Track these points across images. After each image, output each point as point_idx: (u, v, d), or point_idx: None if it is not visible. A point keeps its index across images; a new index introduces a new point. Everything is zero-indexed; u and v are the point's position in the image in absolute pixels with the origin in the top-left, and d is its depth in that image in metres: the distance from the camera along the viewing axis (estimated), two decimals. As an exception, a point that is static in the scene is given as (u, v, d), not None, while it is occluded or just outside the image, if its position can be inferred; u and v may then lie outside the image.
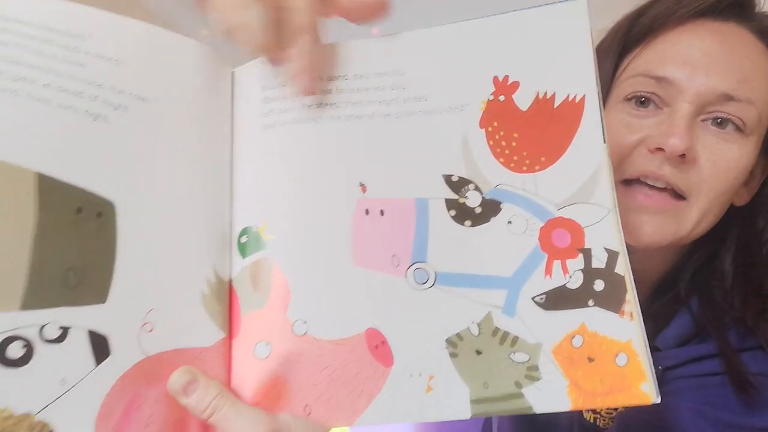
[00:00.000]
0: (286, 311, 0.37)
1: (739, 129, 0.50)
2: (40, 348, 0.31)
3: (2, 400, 0.29)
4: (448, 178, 0.40)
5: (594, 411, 0.56)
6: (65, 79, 0.34)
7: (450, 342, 0.38)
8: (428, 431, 0.71)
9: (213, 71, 0.41)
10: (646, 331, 0.52)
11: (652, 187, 0.50)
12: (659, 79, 0.51)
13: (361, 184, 0.39)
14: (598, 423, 0.56)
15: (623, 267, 0.37)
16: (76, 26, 0.35)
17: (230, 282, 0.39)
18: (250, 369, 0.37)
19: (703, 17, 0.52)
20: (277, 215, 0.39)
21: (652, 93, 0.51)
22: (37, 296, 0.31)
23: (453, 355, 0.37)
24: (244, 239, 0.39)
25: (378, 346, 0.37)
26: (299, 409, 0.36)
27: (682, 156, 0.48)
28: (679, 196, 0.50)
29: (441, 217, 0.39)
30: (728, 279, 0.53)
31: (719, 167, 0.49)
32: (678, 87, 0.50)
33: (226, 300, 0.38)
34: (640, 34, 0.54)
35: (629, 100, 0.52)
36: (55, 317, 0.32)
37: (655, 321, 0.54)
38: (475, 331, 0.38)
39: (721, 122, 0.50)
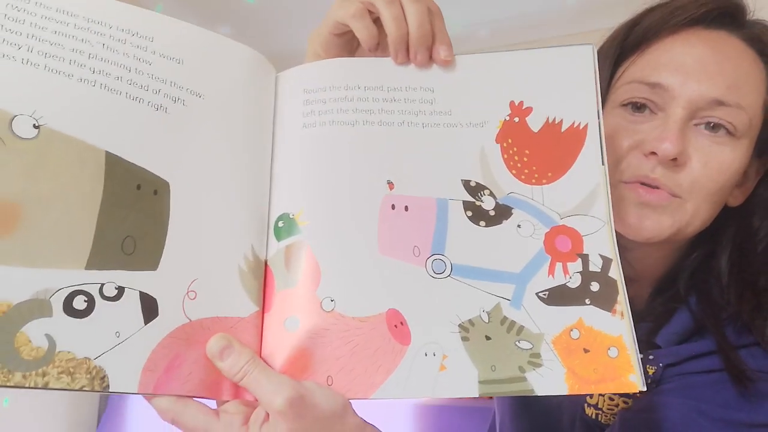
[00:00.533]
0: (316, 289, 0.41)
1: (730, 133, 0.52)
2: (99, 303, 0.35)
3: (67, 344, 0.34)
4: (466, 183, 0.45)
5: (596, 407, 0.58)
6: (134, 74, 0.39)
7: (462, 327, 0.41)
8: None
9: (259, 73, 0.45)
10: (648, 328, 0.56)
11: (648, 186, 0.53)
12: (653, 86, 0.53)
13: (389, 182, 0.44)
14: (600, 419, 0.58)
15: (616, 272, 0.43)
16: (145, 29, 0.41)
17: (266, 262, 0.43)
18: (281, 340, 0.40)
19: (695, 26, 0.55)
20: (312, 204, 0.43)
21: (647, 98, 0.54)
22: (99, 258, 0.36)
23: (465, 339, 0.41)
24: (281, 224, 0.43)
25: (397, 326, 0.41)
26: (322, 379, 0.40)
27: (674, 159, 0.51)
28: (674, 194, 0.53)
29: (459, 216, 0.44)
30: (725, 277, 0.55)
31: (711, 168, 0.52)
32: (671, 93, 0.52)
33: (261, 277, 0.42)
34: (635, 43, 0.57)
35: (625, 105, 0.55)
36: (113, 278, 0.36)
37: (655, 319, 0.56)
38: (485, 318, 0.42)
39: (714, 126, 0.52)
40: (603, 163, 0.44)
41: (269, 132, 0.45)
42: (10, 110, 0.35)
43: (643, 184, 0.53)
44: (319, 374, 0.40)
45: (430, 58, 0.46)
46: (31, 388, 0.32)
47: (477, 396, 0.40)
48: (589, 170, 0.44)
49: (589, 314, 0.41)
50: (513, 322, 0.41)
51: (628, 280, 0.58)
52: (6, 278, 0.33)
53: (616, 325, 0.41)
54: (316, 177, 0.44)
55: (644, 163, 0.52)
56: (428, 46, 0.45)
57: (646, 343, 0.56)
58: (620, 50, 0.57)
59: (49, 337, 0.33)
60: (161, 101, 0.40)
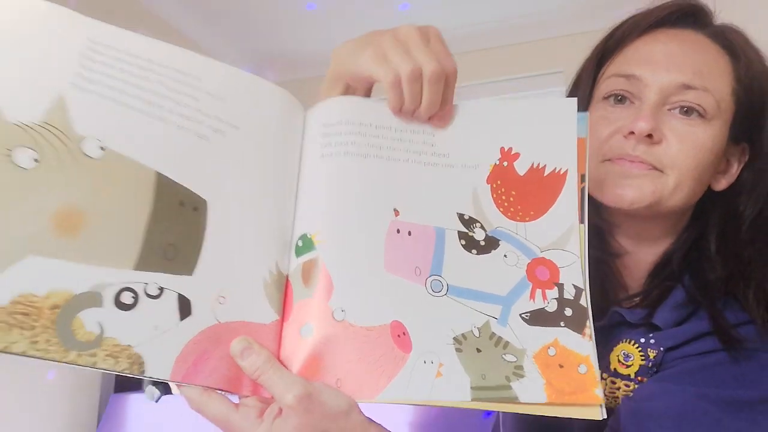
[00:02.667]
0: (328, 300, 0.46)
1: (701, 115, 0.58)
2: (143, 300, 0.41)
3: (114, 332, 0.39)
4: (461, 216, 0.51)
5: None
6: (183, 107, 0.46)
7: (457, 339, 0.46)
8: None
9: (289, 110, 0.52)
10: (646, 310, 0.61)
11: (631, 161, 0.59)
12: (629, 77, 0.61)
13: (395, 209, 0.50)
14: None
15: (585, 301, 0.49)
16: (195, 70, 0.48)
17: (287, 276, 0.48)
18: (297, 346, 0.45)
19: (662, 27, 0.63)
20: (327, 225, 0.48)
21: (624, 90, 0.61)
22: (145, 261, 0.42)
23: (458, 350, 0.46)
24: (300, 243, 0.49)
25: (400, 336, 0.46)
26: (332, 381, 0.44)
27: (650, 136, 0.57)
28: (654, 168, 0.58)
29: (454, 244, 0.50)
30: (713, 254, 0.60)
31: (686, 144, 0.58)
32: (644, 82, 0.59)
33: (283, 289, 0.47)
34: (614, 45, 0.65)
35: (607, 98, 0.62)
36: (156, 279, 0.42)
37: (653, 300, 0.60)
38: (476, 333, 0.47)
39: (687, 111, 0.58)
40: (583, 222, 0.50)
41: (296, 161, 0.51)
42: (82, 133, 0.41)
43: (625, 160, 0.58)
44: (329, 377, 0.45)
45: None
46: (82, 365, 0.38)
47: (470, 400, 0.44)
48: (565, 211, 0.51)
49: (563, 335, 0.47)
50: (500, 338, 0.46)
51: (624, 267, 0.63)
52: (70, 272, 0.39)
53: (585, 346, 0.46)
54: (332, 201, 0.49)
55: (624, 143, 0.59)
56: (430, 116, 0.52)
57: (646, 325, 0.59)
58: (602, 52, 0.65)
59: (99, 324, 0.39)
60: (204, 131, 0.47)
